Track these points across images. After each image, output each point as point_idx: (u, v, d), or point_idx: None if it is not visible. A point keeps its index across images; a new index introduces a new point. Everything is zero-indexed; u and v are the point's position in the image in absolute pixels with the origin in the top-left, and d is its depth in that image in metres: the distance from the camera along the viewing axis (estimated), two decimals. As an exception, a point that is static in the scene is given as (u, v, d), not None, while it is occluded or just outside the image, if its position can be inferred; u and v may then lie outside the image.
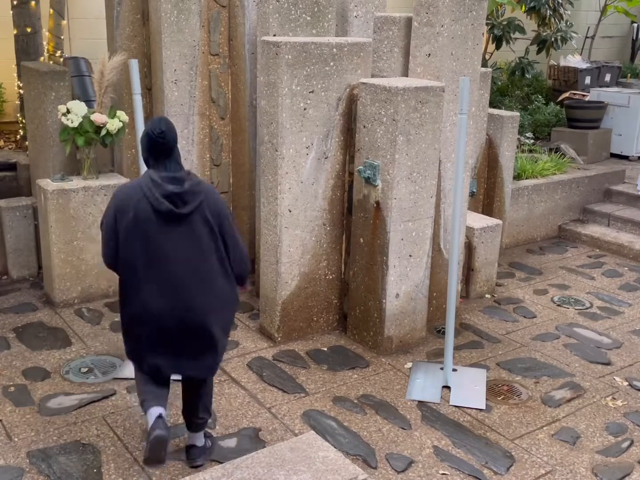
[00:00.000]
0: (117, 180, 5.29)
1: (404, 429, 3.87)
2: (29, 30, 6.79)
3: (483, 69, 5.59)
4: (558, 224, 7.45)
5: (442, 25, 4.57)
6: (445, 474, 3.51)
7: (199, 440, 3.47)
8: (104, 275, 5.30)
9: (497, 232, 5.77)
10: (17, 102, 7.21)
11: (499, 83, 10.05)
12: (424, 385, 4.29)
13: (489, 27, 8.95)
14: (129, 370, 4.34)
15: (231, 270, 3.20)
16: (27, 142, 6.19)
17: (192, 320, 3.11)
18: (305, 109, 4.44)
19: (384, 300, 4.58)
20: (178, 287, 3.09)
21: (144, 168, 3.24)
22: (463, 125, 3.98)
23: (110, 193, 5.21)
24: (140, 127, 4.25)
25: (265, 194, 4.65)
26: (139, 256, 3.07)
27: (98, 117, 5.09)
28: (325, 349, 4.71)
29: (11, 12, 6.83)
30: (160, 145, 3.06)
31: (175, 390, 4.10)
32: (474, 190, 6.16)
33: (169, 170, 3.08)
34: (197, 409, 3.37)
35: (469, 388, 4.29)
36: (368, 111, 4.44)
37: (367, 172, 4.47)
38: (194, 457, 3.45)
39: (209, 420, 3.53)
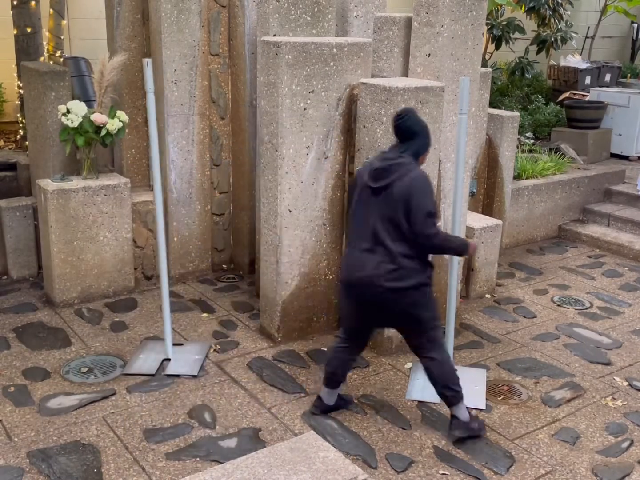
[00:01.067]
0: (117, 180, 5.28)
1: (404, 429, 3.87)
2: (29, 30, 6.79)
3: (483, 69, 5.58)
4: (558, 224, 7.44)
5: (442, 25, 4.57)
6: (445, 474, 3.51)
7: (459, 411, 3.73)
8: (104, 276, 5.30)
9: (497, 232, 5.77)
10: (17, 102, 7.21)
11: (499, 83, 10.05)
12: (424, 385, 4.28)
13: (489, 27, 8.95)
14: (137, 365, 4.36)
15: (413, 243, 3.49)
16: (27, 142, 6.19)
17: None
18: (305, 109, 4.44)
19: (384, 300, 4.57)
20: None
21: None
22: (463, 125, 3.98)
23: (110, 193, 5.23)
24: (153, 125, 4.15)
25: (265, 194, 4.65)
26: (353, 218, 3.67)
27: (98, 117, 5.09)
28: (325, 349, 4.70)
29: (11, 12, 6.84)
30: (395, 128, 3.61)
31: (175, 390, 4.11)
32: (474, 190, 6.16)
33: (391, 152, 3.61)
34: (431, 384, 3.75)
35: (469, 388, 4.27)
36: (368, 111, 4.44)
37: (367, 172, 4.47)
38: (451, 428, 3.77)
39: (453, 398, 3.73)
